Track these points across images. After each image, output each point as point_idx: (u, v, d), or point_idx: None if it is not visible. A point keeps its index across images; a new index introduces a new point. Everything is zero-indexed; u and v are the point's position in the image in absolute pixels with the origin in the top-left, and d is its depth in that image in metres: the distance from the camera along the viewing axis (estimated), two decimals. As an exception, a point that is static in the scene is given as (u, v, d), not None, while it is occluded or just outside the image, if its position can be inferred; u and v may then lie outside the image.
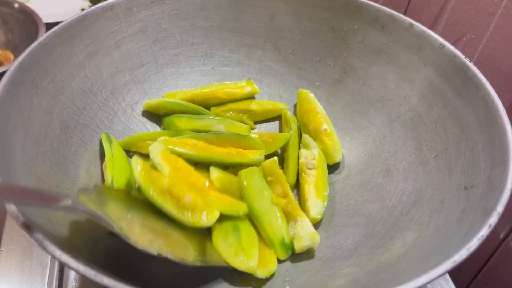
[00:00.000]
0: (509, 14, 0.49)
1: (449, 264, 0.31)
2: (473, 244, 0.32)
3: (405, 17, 0.52)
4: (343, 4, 0.57)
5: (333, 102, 0.59)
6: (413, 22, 0.52)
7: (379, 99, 0.56)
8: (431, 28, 0.60)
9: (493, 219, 0.34)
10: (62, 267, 0.49)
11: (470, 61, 0.46)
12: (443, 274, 0.31)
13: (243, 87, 0.60)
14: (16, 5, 0.73)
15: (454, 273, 0.50)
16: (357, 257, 0.45)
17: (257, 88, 0.60)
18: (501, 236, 0.54)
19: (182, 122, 0.55)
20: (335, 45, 0.59)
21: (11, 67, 0.43)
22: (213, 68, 0.61)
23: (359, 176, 0.54)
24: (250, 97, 0.61)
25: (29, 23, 0.71)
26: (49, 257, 0.50)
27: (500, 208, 0.34)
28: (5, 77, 0.42)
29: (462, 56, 0.47)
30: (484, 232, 0.33)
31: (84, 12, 0.51)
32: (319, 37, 0.59)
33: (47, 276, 0.49)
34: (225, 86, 0.60)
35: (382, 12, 0.54)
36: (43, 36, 0.48)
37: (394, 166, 0.52)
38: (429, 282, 0.31)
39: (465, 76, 0.47)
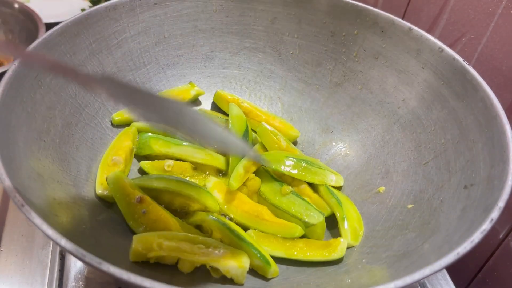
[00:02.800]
0: (508, 14, 0.50)
1: (452, 256, 0.32)
2: (476, 237, 0.33)
3: (404, 22, 0.53)
4: (342, 9, 0.57)
5: (332, 105, 0.60)
6: (412, 26, 0.53)
7: (378, 102, 0.56)
8: (430, 28, 0.61)
9: (494, 214, 0.34)
10: (62, 267, 0.49)
11: (468, 64, 0.47)
12: (446, 266, 0.32)
13: (188, 91, 0.60)
14: (16, 6, 0.73)
15: (454, 272, 0.51)
16: (357, 255, 0.45)
17: (201, 89, 0.60)
18: (500, 236, 0.54)
19: (157, 144, 0.53)
20: (334, 49, 0.59)
21: (15, 62, 0.43)
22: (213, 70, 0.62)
23: (358, 177, 0.54)
24: (196, 99, 0.61)
25: (29, 23, 0.71)
26: (49, 257, 0.50)
27: (501, 204, 0.35)
28: (9, 71, 0.42)
29: (461, 59, 0.48)
30: (486, 226, 0.33)
31: (87, 11, 0.52)
32: (319, 41, 0.60)
33: (47, 276, 0.48)
34: (170, 92, 0.59)
35: (381, 16, 0.55)
36: (47, 33, 0.48)
37: (393, 168, 0.52)
38: (433, 273, 0.31)
39: (464, 78, 0.47)
